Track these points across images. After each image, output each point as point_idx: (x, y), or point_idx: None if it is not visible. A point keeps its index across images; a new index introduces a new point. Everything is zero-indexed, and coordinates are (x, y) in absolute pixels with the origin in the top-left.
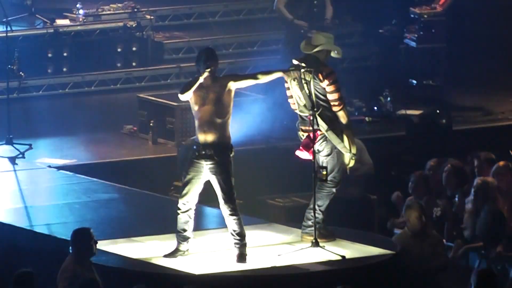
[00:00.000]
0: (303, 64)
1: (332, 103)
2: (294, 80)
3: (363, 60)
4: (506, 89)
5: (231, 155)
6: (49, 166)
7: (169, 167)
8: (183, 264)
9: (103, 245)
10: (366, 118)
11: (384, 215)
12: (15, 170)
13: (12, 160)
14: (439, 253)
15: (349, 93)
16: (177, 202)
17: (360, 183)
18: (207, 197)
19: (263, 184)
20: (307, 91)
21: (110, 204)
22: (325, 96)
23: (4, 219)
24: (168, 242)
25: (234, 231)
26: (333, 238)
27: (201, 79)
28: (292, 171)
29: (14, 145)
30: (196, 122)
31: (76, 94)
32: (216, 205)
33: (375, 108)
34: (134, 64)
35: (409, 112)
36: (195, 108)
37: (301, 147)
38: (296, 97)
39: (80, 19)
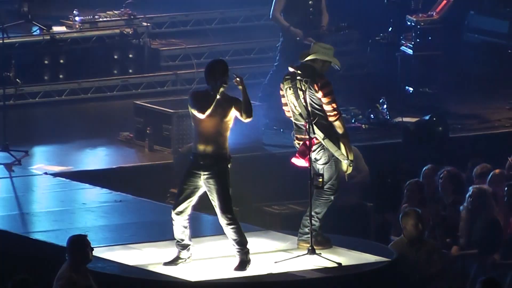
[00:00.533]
0: (299, 72)
1: (328, 114)
2: (289, 89)
3: (359, 67)
4: (502, 97)
5: (228, 166)
6: (46, 173)
7: (166, 174)
8: (180, 271)
9: (100, 252)
10: (363, 126)
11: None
12: (11, 177)
13: (8, 167)
14: (435, 261)
15: (346, 101)
16: (170, 212)
17: (356, 190)
18: (204, 204)
19: (260, 191)
20: (303, 100)
21: (106, 211)
22: (320, 106)
23: (0, 226)
24: (165, 249)
25: (235, 240)
26: (330, 245)
27: (218, 96)
28: (289, 178)
29: (10, 151)
30: (198, 132)
31: (72, 101)
32: (213, 212)
33: (372, 115)
34: (130, 71)
35: (406, 119)
36: (198, 119)
37: (297, 155)
38: (291, 106)
39: (77, 26)
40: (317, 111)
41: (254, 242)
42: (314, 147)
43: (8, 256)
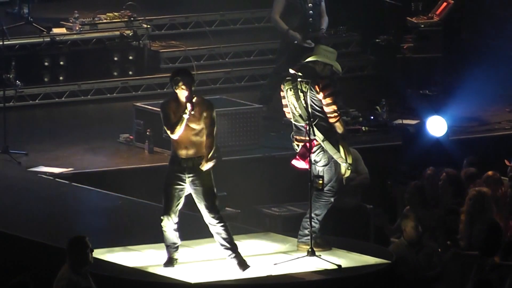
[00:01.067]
0: (299, 74)
1: (328, 115)
2: (290, 90)
3: (359, 69)
4: (502, 99)
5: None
6: (45, 175)
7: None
8: (179, 273)
9: (100, 253)
10: (363, 128)
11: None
12: (10, 179)
13: (8, 168)
14: (435, 263)
15: (346, 103)
16: (160, 219)
17: (356, 192)
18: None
19: (259, 193)
20: (303, 102)
21: (106, 213)
22: (321, 107)
23: (0, 228)
24: (164, 251)
25: (224, 239)
26: (329, 247)
27: (186, 116)
28: (288, 180)
29: (10, 153)
30: (175, 140)
31: (72, 103)
32: None
33: (372, 117)
34: (130, 73)
35: (406, 122)
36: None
37: (297, 157)
38: (292, 107)
39: (77, 28)
40: (317, 113)
41: (254, 244)
42: (314, 149)
43: (7, 258)
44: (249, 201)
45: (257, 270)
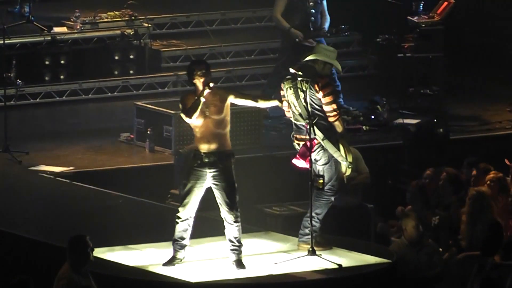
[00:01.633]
0: (299, 73)
1: (327, 114)
2: (290, 89)
3: (360, 69)
4: (503, 98)
5: (232, 162)
6: (46, 174)
7: (166, 175)
8: (180, 272)
9: (100, 252)
10: (363, 127)
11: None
12: (11, 178)
13: (9, 167)
14: (436, 263)
15: (346, 102)
16: (176, 211)
17: (357, 192)
18: (202, 205)
19: (260, 192)
20: (303, 101)
21: (106, 212)
22: (320, 106)
23: (0, 227)
24: (165, 250)
25: (235, 238)
26: (330, 246)
27: (203, 99)
28: (289, 179)
29: (11, 152)
30: (197, 134)
31: (73, 101)
32: (212, 213)
33: (372, 117)
34: (131, 72)
35: (406, 121)
36: (196, 122)
37: (297, 156)
38: (291, 106)
39: (78, 27)
40: (317, 112)
41: (255, 243)
42: (314, 148)
43: (8, 257)
44: (250, 200)
45: (258, 269)
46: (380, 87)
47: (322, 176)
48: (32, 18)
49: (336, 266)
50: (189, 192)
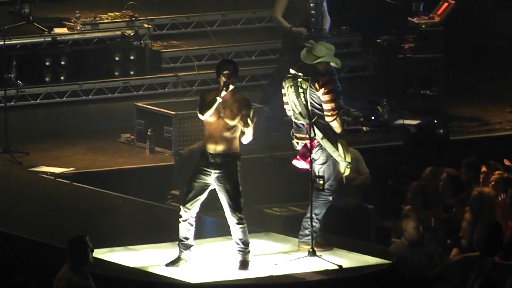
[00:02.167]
0: (300, 74)
1: (326, 113)
2: (290, 87)
3: (361, 69)
4: (503, 99)
5: (238, 164)
6: (46, 175)
7: (167, 176)
8: (180, 273)
9: (100, 253)
10: (364, 128)
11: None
12: (12, 178)
13: (10, 168)
14: (436, 263)
15: (347, 103)
16: (179, 210)
17: (357, 192)
18: (204, 206)
19: (260, 193)
20: (303, 100)
21: (107, 213)
22: (320, 105)
23: (0, 228)
24: (165, 250)
25: (240, 239)
26: (330, 247)
27: (219, 99)
28: (289, 180)
29: (12, 153)
30: (207, 133)
31: (73, 102)
32: (213, 214)
33: (373, 117)
34: (131, 72)
35: (407, 122)
36: (208, 119)
37: (298, 156)
38: (292, 104)
39: (78, 28)
40: (316, 110)
41: (255, 244)
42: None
43: (8, 257)
44: (250, 201)
45: (258, 270)
46: (380, 88)
47: (322, 176)
48: (32, 18)
49: (337, 267)
50: (191, 189)
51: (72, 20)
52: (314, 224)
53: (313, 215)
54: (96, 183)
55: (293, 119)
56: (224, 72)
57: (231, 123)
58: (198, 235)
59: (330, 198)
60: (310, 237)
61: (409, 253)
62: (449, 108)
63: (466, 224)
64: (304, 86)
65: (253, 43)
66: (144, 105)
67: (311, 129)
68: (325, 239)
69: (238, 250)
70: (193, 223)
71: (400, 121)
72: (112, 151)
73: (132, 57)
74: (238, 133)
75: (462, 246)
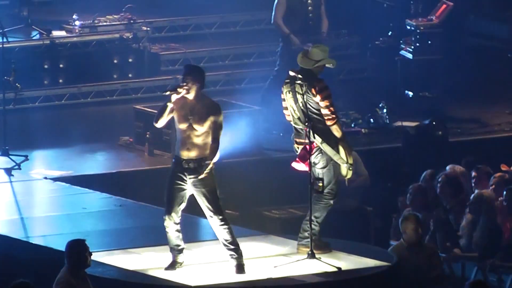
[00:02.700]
0: (299, 76)
1: (325, 118)
2: (289, 92)
3: (359, 71)
4: (502, 101)
5: (212, 168)
6: (45, 178)
7: (165, 179)
8: (179, 276)
9: (99, 256)
10: (362, 130)
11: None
12: (11, 182)
13: (8, 171)
14: (435, 265)
15: (346, 105)
16: (162, 220)
17: (356, 194)
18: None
19: (259, 196)
20: (301, 104)
21: (106, 216)
22: (318, 110)
23: (0, 231)
24: (164, 253)
25: (227, 240)
26: (329, 249)
27: (170, 105)
28: (288, 183)
29: (10, 156)
30: (179, 138)
31: (72, 105)
32: None
33: (371, 119)
34: (130, 75)
35: (405, 123)
36: (178, 126)
37: (297, 159)
38: (291, 109)
39: (77, 31)
40: (315, 115)
41: (254, 247)
42: (313, 151)
43: (7, 260)
44: (249, 203)
45: (257, 272)
46: (379, 90)
47: (322, 179)
48: (31, 21)
49: (336, 269)
50: (171, 196)
51: (70, 23)
52: (313, 227)
53: (313, 218)
54: (94, 186)
55: (293, 124)
56: (182, 76)
57: (200, 128)
58: (197, 237)
59: (331, 201)
60: (309, 240)
61: (408, 255)
62: (448, 110)
63: (465, 224)
64: (302, 91)
65: (251, 45)
66: (143, 108)
67: (310, 132)
68: (324, 242)
69: (230, 254)
70: (179, 228)
71: (399, 123)
72: (111, 153)
73: (130, 60)
74: (210, 139)
75: (461, 247)
